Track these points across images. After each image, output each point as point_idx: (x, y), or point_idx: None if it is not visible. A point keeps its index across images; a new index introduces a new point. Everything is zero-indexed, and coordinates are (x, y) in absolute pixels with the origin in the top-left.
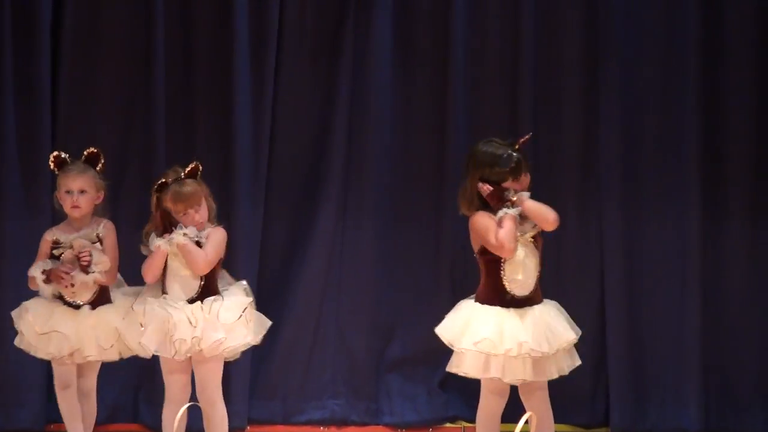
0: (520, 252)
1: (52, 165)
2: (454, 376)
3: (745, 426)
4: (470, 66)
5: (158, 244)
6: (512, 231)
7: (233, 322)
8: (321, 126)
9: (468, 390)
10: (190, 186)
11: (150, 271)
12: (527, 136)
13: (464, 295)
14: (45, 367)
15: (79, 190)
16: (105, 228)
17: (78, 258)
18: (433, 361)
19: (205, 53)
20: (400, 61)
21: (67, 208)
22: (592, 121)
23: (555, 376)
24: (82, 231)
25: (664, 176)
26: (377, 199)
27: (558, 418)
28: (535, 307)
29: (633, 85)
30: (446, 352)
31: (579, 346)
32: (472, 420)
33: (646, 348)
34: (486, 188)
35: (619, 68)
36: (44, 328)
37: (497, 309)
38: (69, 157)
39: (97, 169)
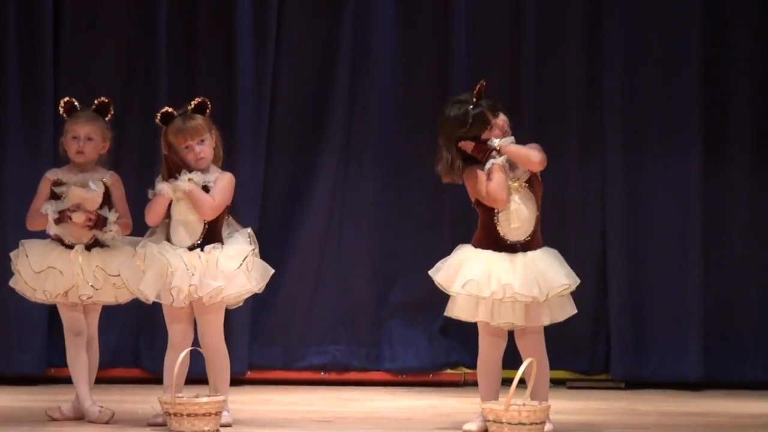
0: (515, 199)
1: (61, 110)
2: (456, 322)
3: (745, 374)
4: (473, 9)
5: (161, 188)
6: (501, 181)
7: (233, 270)
8: (323, 71)
9: (469, 336)
10: (194, 119)
11: (151, 214)
12: (479, 84)
13: (465, 240)
14: (46, 312)
15: (86, 136)
16: (112, 179)
17: (89, 220)
18: (434, 307)
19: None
20: (403, 3)
21: (71, 153)
22: (595, 66)
23: (546, 322)
24: (87, 173)
25: (666, 122)
26: (379, 145)
27: (559, 365)
28: (530, 252)
29: (635, 29)
30: (447, 299)
31: (580, 293)
32: (473, 366)
33: (647, 296)
34: (468, 145)
35: (622, 12)
36: (41, 265)
37: (489, 253)
38: (79, 104)
39: (106, 119)
